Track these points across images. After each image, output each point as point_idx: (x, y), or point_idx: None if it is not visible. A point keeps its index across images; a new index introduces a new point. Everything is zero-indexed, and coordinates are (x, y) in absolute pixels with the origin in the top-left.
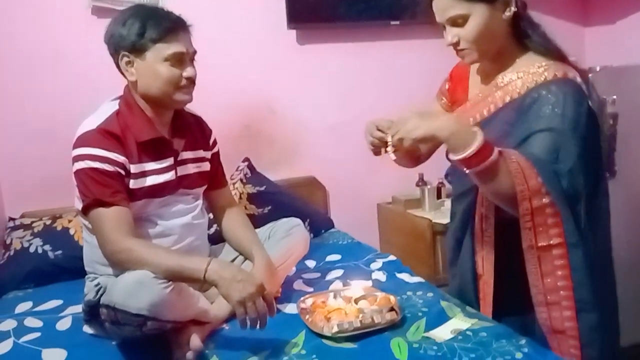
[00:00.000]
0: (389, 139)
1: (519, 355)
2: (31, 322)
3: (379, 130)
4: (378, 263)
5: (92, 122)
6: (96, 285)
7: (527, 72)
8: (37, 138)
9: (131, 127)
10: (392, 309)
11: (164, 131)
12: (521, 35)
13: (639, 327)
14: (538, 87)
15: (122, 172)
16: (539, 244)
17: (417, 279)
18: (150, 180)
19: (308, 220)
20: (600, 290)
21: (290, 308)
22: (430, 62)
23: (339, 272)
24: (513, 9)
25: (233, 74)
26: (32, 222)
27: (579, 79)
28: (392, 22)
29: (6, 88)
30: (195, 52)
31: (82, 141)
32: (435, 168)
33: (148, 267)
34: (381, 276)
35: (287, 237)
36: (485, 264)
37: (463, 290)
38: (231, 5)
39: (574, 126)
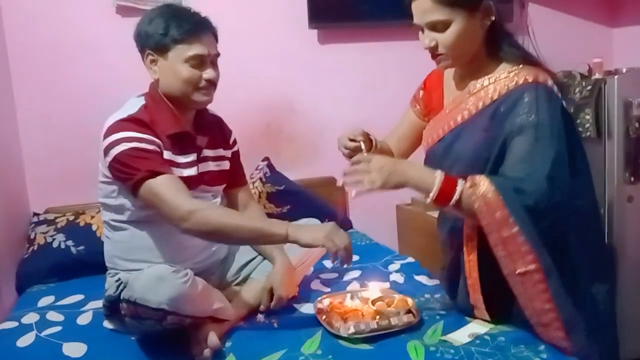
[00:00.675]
0: (363, 146)
1: None
2: (53, 316)
3: (351, 140)
4: (396, 265)
5: (120, 114)
6: (117, 281)
7: (498, 78)
8: (62, 134)
9: (158, 120)
10: (409, 311)
11: (188, 127)
12: (494, 43)
13: None
14: (510, 92)
15: (160, 152)
16: (518, 271)
17: (435, 282)
18: (176, 173)
19: (327, 220)
20: (590, 305)
21: (307, 308)
22: None
23: (356, 273)
24: (493, 17)
25: (254, 73)
26: (56, 218)
27: (550, 82)
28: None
29: (32, 84)
30: (217, 54)
31: (115, 128)
32: None
33: (226, 228)
34: (399, 278)
35: None
36: (472, 272)
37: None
38: (253, 4)
39: (549, 130)
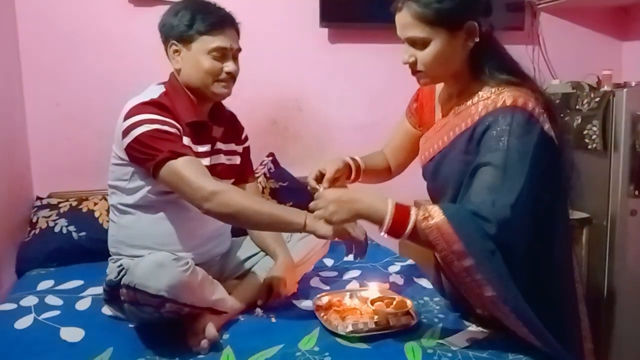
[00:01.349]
0: (321, 189)
1: None
2: (52, 300)
3: (320, 173)
4: (396, 266)
5: (142, 98)
6: (119, 267)
7: (481, 99)
8: (70, 120)
9: (177, 108)
10: (408, 313)
11: (204, 118)
12: (478, 64)
13: None
14: (487, 115)
15: (181, 136)
16: (486, 295)
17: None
18: None
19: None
20: (555, 321)
21: (305, 304)
22: None
23: (356, 273)
24: (476, 39)
25: (263, 68)
26: (59, 203)
27: (530, 105)
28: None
29: (45, 68)
30: (239, 49)
31: (137, 110)
32: None
33: (246, 211)
34: (399, 279)
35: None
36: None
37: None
38: (265, 0)
39: (518, 157)
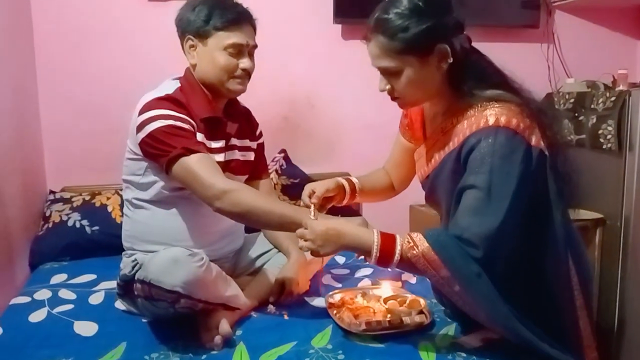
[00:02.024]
0: (312, 207)
1: None
2: (65, 293)
3: (310, 195)
4: None
5: (157, 93)
6: (133, 261)
7: (465, 117)
8: (84, 114)
9: (192, 103)
10: (421, 312)
11: (219, 114)
12: (458, 82)
13: None
14: (471, 136)
15: (194, 132)
16: (479, 314)
17: None
18: None
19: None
20: (554, 332)
21: (318, 302)
22: None
23: (368, 271)
24: (450, 60)
25: (276, 65)
26: (72, 197)
27: (514, 121)
28: None
29: (58, 62)
30: (255, 46)
31: (151, 105)
32: None
33: (257, 211)
34: (411, 278)
35: None
36: None
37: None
38: None
39: (504, 177)
